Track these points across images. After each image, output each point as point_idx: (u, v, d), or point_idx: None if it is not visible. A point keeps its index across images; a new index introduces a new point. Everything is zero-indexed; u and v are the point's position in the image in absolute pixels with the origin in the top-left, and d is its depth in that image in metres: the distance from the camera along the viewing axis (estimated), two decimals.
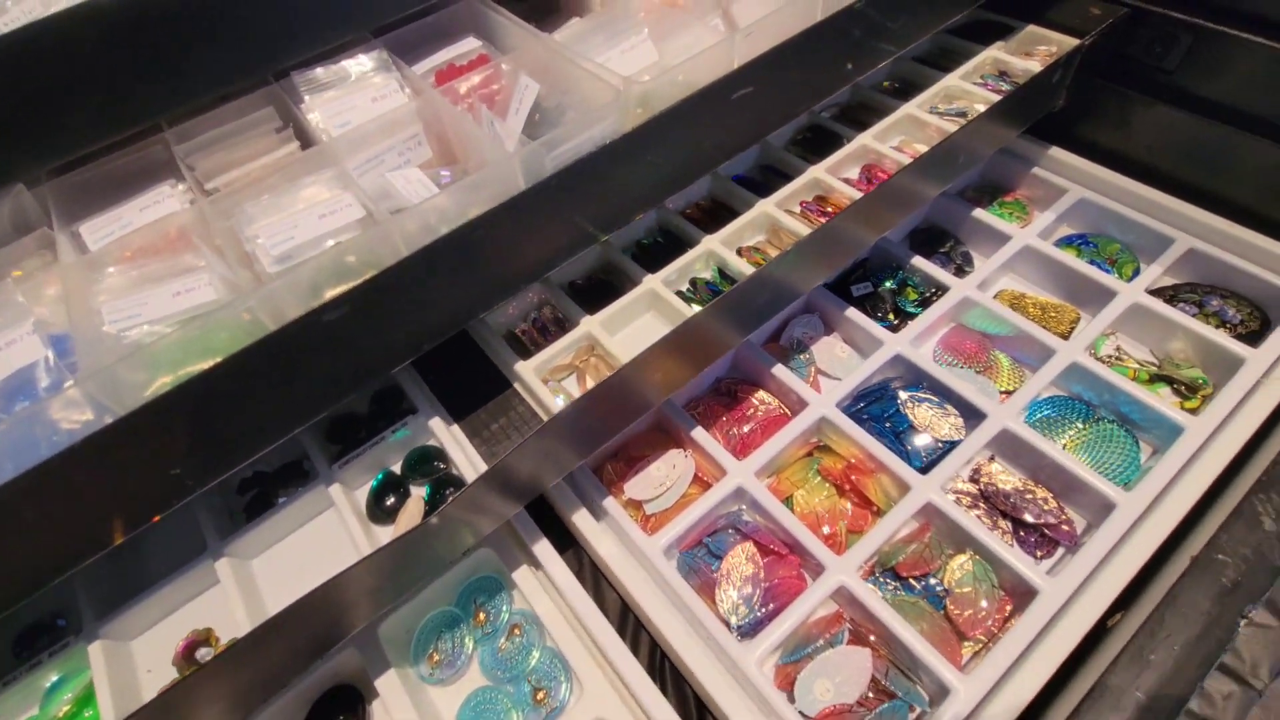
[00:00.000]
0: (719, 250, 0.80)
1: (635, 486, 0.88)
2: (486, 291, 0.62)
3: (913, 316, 1.01)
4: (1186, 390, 0.92)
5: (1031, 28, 1.00)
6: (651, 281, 0.79)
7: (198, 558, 0.63)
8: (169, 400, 0.49)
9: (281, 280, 0.51)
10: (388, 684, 0.76)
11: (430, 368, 0.84)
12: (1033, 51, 0.98)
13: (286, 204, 0.60)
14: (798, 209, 0.86)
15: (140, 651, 0.63)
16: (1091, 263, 1.05)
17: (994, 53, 0.97)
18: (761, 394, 0.98)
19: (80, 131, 0.54)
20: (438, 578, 0.70)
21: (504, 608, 0.84)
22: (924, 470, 0.85)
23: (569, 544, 0.84)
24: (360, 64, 0.68)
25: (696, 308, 0.78)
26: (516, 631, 0.82)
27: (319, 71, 0.66)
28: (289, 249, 0.58)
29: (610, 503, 0.85)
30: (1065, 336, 0.98)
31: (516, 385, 0.73)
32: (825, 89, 0.76)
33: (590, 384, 0.73)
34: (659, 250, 0.87)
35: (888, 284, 1.06)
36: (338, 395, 0.58)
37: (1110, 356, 0.96)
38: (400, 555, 0.58)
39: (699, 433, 0.90)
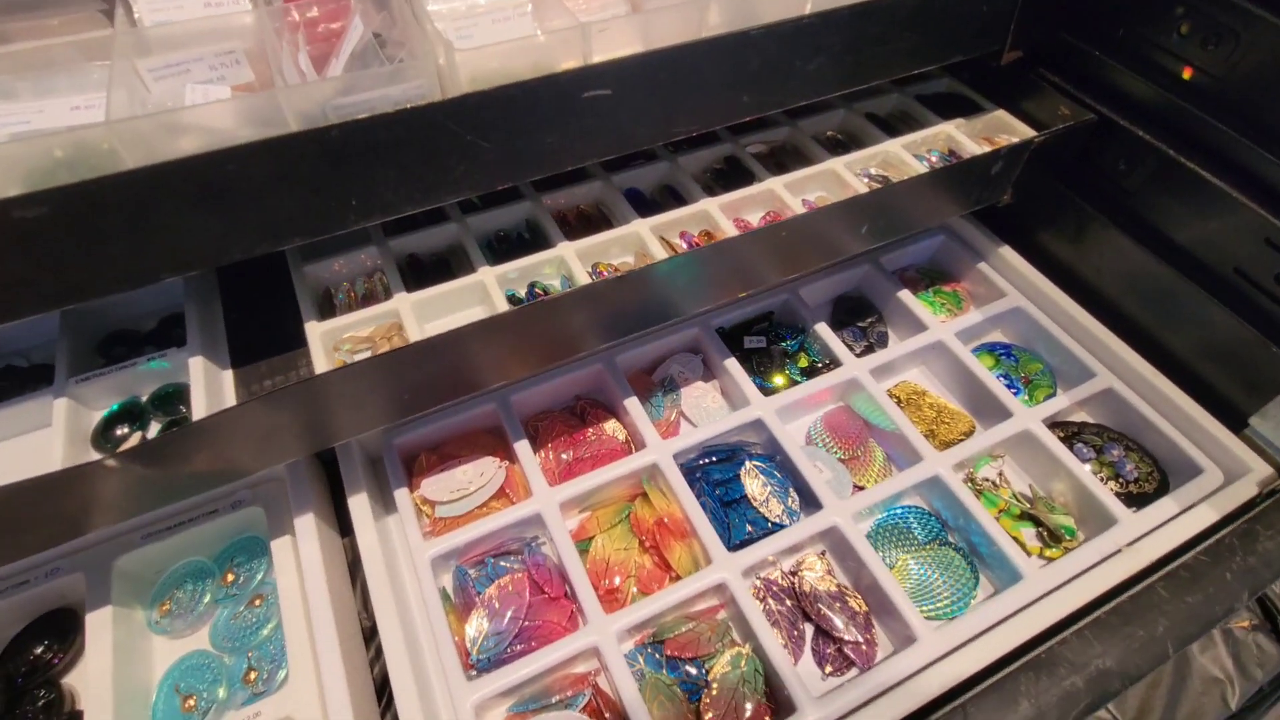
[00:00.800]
0: (572, 260, 0.73)
1: (433, 485, 0.81)
2: (238, 235, 0.55)
3: (795, 384, 0.93)
4: (1050, 537, 0.82)
5: (1000, 113, 0.90)
6: (486, 274, 0.71)
7: (43, 390, 0.57)
8: None
9: None
10: (98, 621, 0.69)
11: (237, 303, 0.78)
12: (993, 138, 0.89)
13: (46, 86, 0.54)
14: (676, 238, 0.78)
15: None
16: (1004, 377, 0.95)
17: (949, 129, 0.87)
18: (613, 424, 0.90)
19: None
20: (132, 518, 0.63)
21: (259, 574, 0.77)
22: (737, 547, 0.77)
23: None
24: None
25: None
26: (258, 602, 0.76)
27: None
28: (23, 133, 0.52)
29: (402, 494, 0.78)
30: (948, 445, 0.89)
31: (310, 344, 0.67)
32: (714, 116, 0.68)
33: None
34: (519, 245, 0.79)
35: (785, 344, 0.98)
36: (32, 306, 0.52)
37: (986, 480, 0.87)
38: (52, 492, 0.51)
39: (524, 447, 0.82)
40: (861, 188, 0.81)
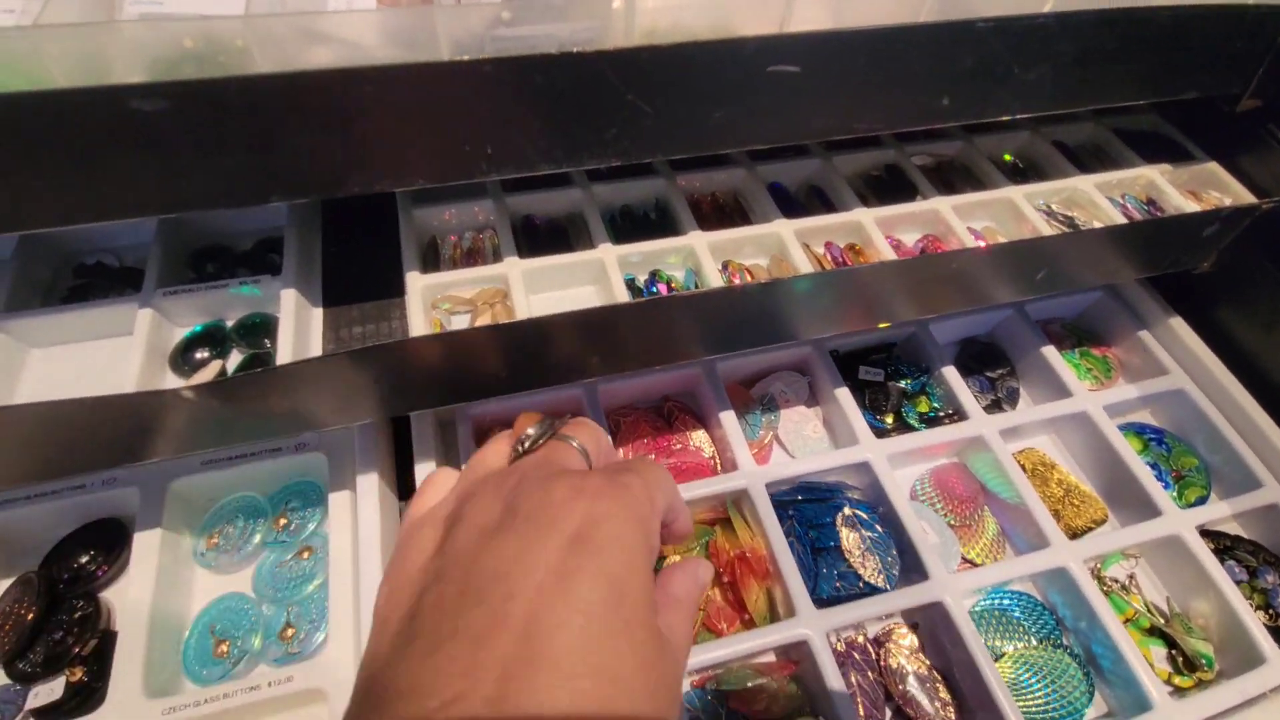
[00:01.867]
0: (702, 253, 0.65)
1: None
2: (353, 165, 0.49)
3: (910, 430, 0.83)
4: (1185, 664, 0.71)
5: (1213, 166, 0.77)
6: (606, 252, 0.64)
7: None
8: None
9: (87, 29, 0.40)
10: (145, 542, 0.66)
11: (338, 237, 0.72)
12: (1200, 194, 0.76)
13: None
14: (821, 248, 0.69)
15: None
16: (1151, 466, 0.83)
17: (1152, 174, 0.75)
18: (700, 435, 0.82)
19: None
20: (198, 450, 0.59)
21: (311, 524, 0.73)
22: (824, 603, 0.69)
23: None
24: None
25: None
26: (306, 554, 0.71)
27: None
28: (153, 13, 0.47)
29: None
30: (1077, 535, 0.78)
31: (407, 298, 0.61)
32: (904, 116, 0.58)
33: None
34: (645, 226, 0.71)
35: (904, 382, 0.88)
36: (131, 208, 0.47)
37: (1115, 581, 0.76)
38: (121, 413, 0.47)
39: None
40: (1041, 224, 0.70)
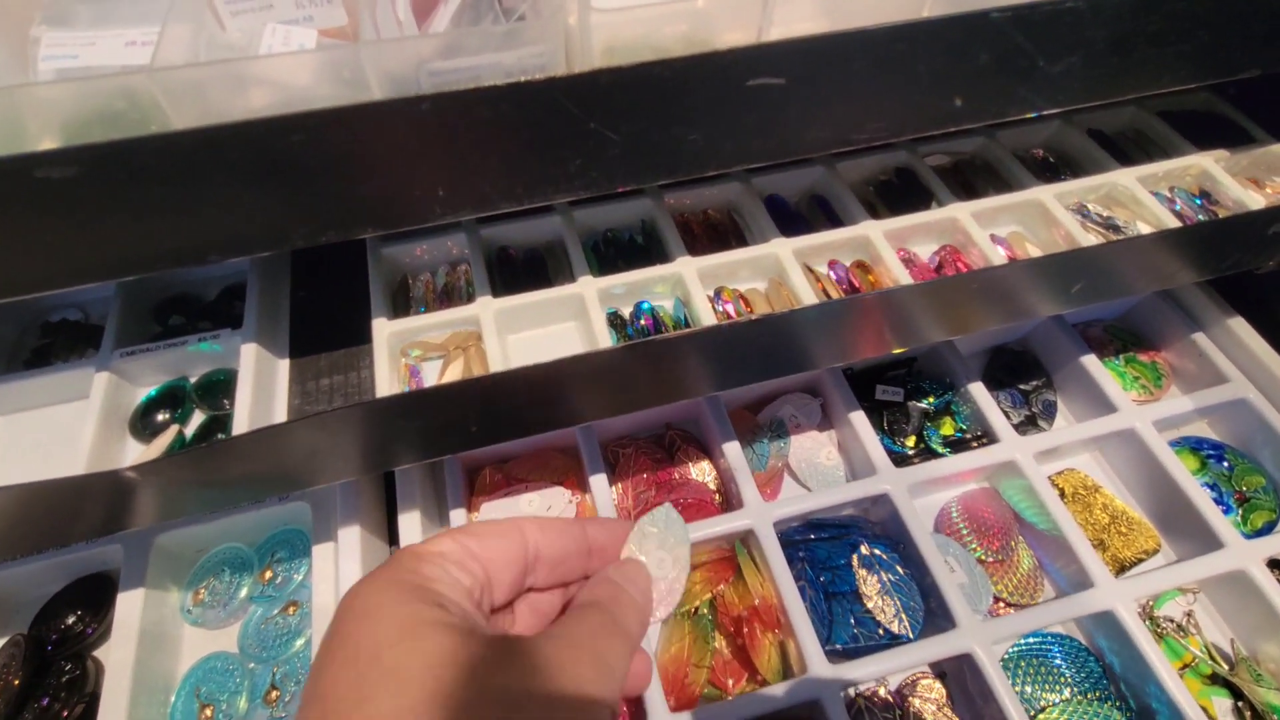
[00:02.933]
0: (691, 280, 0.59)
1: (494, 510, 0.71)
2: (301, 217, 0.45)
3: (934, 456, 0.76)
4: (1253, 718, 0.63)
5: (1277, 148, 0.69)
6: (587, 285, 0.59)
7: None
8: None
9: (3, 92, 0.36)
10: (128, 605, 0.64)
11: (307, 279, 0.69)
12: (1262, 180, 0.67)
13: (105, 12, 0.45)
14: (823, 267, 0.63)
15: None
16: (1210, 487, 0.75)
17: (1205, 162, 0.67)
18: (705, 465, 0.77)
19: None
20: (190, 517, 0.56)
21: (298, 575, 0.71)
22: (843, 655, 0.64)
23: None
24: None
25: (615, 339, 0.58)
26: (293, 610, 0.69)
27: None
28: (68, 68, 0.43)
29: (458, 516, 0.69)
30: (1125, 568, 0.71)
31: (374, 346, 0.57)
32: (910, 122, 0.52)
33: (448, 380, 0.55)
34: (631, 251, 0.66)
35: (926, 401, 0.81)
36: (58, 279, 0.44)
37: (1170, 622, 0.69)
38: (66, 495, 0.44)
39: (600, 481, 0.70)
40: (1075, 228, 0.63)
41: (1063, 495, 0.75)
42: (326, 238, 0.46)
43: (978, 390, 0.77)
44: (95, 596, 0.68)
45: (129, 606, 0.64)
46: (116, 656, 0.61)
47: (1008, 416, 0.76)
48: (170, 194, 0.41)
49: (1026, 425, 0.79)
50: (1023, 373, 0.84)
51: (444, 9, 0.47)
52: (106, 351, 0.55)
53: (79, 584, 0.69)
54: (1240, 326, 0.78)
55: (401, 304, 0.62)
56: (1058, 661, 0.66)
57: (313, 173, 0.42)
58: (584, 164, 0.47)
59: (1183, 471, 0.70)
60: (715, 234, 0.66)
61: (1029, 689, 0.64)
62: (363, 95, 0.40)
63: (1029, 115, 0.54)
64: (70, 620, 0.66)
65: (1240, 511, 0.72)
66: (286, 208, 0.44)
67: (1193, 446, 0.78)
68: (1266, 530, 0.70)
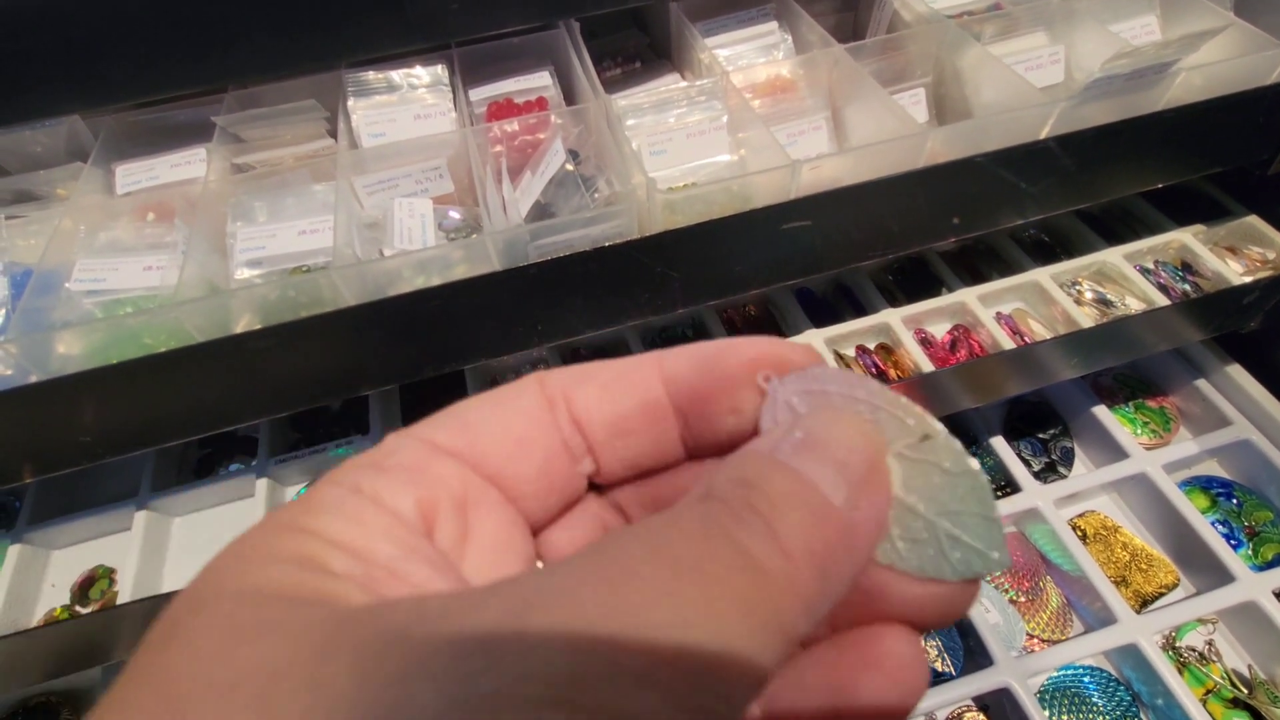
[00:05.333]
0: None
1: None
2: (430, 358, 0.57)
3: None
4: None
5: (1252, 220, 0.77)
6: None
7: (127, 500, 0.65)
8: (82, 381, 0.49)
9: (214, 300, 0.50)
10: None
11: (412, 386, 0.82)
12: (1239, 250, 0.76)
13: (278, 208, 0.58)
14: (851, 352, 0.73)
15: (56, 563, 0.66)
16: (1221, 524, 0.82)
17: (1184, 237, 0.76)
18: None
19: (138, 82, 0.55)
20: None
21: None
22: None
23: None
24: (414, 76, 0.64)
25: None
26: None
27: (370, 74, 0.63)
28: (259, 257, 0.56)
29: None
30: (1147, 602, 0.79)
31: None
32: (916, 239, 0.63)
33: None
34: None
35: None
36: (258, 414, 0.56)
37: (1192, 651, 0.76)
38: None
39: None
40: (1071, 306, 0.72)
41: (1084, 537, 0.83)
42: (449, 369, 0.59)
43: (999, 444, 0.86)
44: None
45: None
46: None
47: (1028, 465, 0.85)
48: (338, 349, 0.54)
49: (1047, 472, 0.87)
50: (1040, 421, 0.92)
51: (533, 179, 0.60)
52: (263, 460, 0.68)
53: None
54: (1239, 373, 0.86)
55: None
56: (1090, 692, 0.73)
57: (444, 325, 0.55)
58: (651, 296, 0.59)
59: (1193, 511, 0.78)
60: (755, 325, 0.78)
61: (1065, 718, 0.72)
62: (486, 267, 0.53)
63: (1017, 223, 0.64)
64: None
65: (1250, 545, 0.80)
66: (421, 351, 0.56)
67: (1203, 485, 0.85)
68: (1276, 562, 0.78)
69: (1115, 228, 0.82)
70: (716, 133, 0.63)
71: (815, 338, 0.72)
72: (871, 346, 0.74)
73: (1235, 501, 0.83)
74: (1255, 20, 0.66)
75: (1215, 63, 0.60)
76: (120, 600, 0.61)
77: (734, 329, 0.78)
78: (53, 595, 0.65)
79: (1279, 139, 0.68)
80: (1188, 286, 0.74)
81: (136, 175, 0.63)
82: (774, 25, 0.71)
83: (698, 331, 0.78)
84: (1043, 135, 0.58)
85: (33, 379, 0.50)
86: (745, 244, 0.58)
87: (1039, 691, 0.74)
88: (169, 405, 0.54)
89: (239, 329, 0.51)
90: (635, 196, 0.52)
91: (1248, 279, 0.72)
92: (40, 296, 0.54)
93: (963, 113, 0.68)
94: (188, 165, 0.63)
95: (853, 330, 0.73)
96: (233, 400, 0.55)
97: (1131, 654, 0.72)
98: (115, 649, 0.63)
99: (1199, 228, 0.78)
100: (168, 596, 0.61)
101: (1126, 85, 0.59)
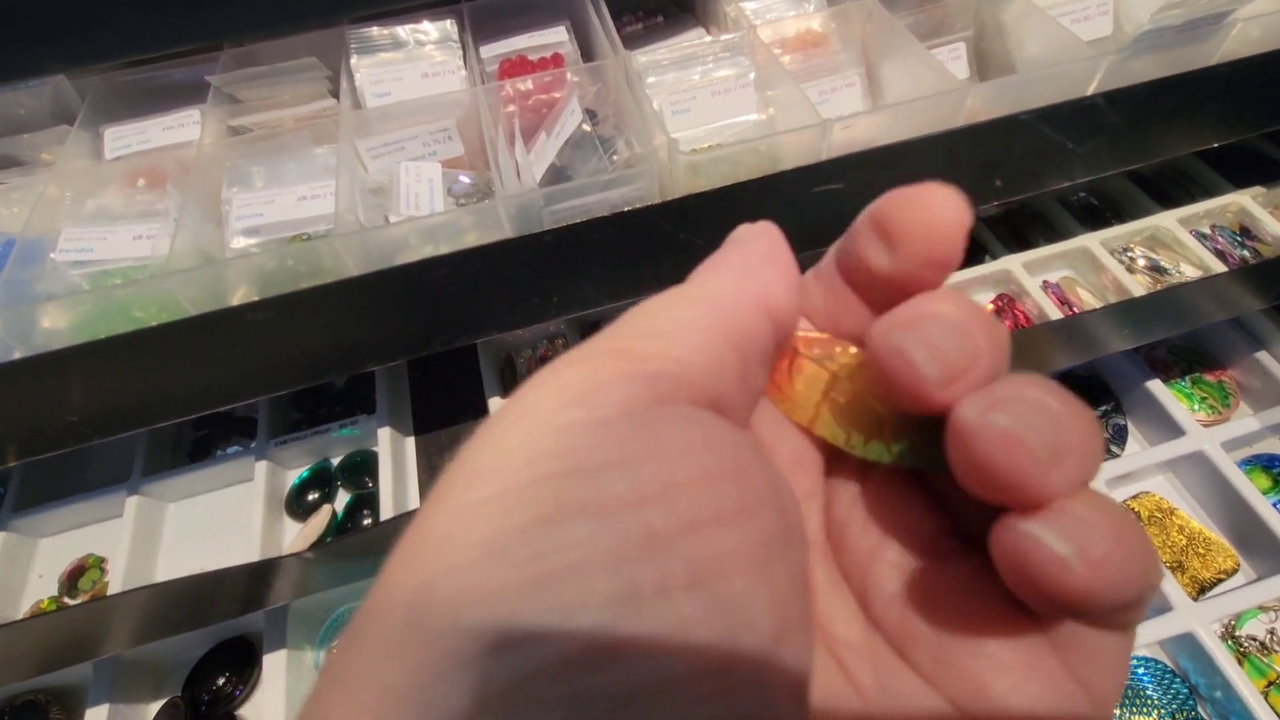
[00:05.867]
0: None
1: None
2: (439, 331, 0.57)
3: None
4: None
5: None
6: None
7: (118, 485, 0.66)
8: (67, 356, 0.49)
9: (208, 270, 0.49)
10: (273, 663, 0.76)
11: (422, 364, 0.81)
12: None
13: (276, 172, 0.58)
14: None
15: (43, 552, 0.66)
16: None
17: (1243, 200, 0.75)
18: None
19: (129, 40, 0.55)
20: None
21: None
22: None
23: None
24: (421, 32, 0.64)
25: None
26: None
27: (374, 31, 0.63)
28: (256, 225, 0.56)
29: None
30: (1205, 589, 0.78)
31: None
32: None
33: None
34: None
35: None
36: (256, 392, 0.56)
37: (1253, 640, 0.75)
38: (253, 578, 0.56)
39: None
40: (1122, 274, 0.71)
41: (1139, 519, 0.82)
42: (460, 342, 0.58)
43: None
44: (239, 659, 0.80)
45: (274, 668, 0.75)
46: (269, 712, 0.73)
47: None
48: (340, 322, 0.54)
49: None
50: (1091, 398, 0.91)
51: (548, 140, 0.59)
52: (262, 441, 0.68)
53: (223, 647, 0.81)
54: None
55: (509, 378, 0.73)
56: (1145, 684, 0.73)
57: (453, 296, 0.54)
58: (673, 265, 0.58)
59: (1254, 492, 0.77)
60: None
61: (1117, 711, 0.72)
62: (497, 234, 0.52)
63: (1064, 184, 0.64)
64: (220, 682, 0.78)
65: None
66: (430, 323, 0.56)
67: (1265, 464, 0.84)
68: None
69: (1169, 190, 0.81)
70: (743, 90, 0.62)
71: None
72: None
73: None
74: None
75: (1274, 13, 0.59)
76: (111, 591, 0.62)
77: None
78: (40, 586, 0.65)
79: None
80: (1246, 252, 0.72)
81: (126, 138, 0.62)
82: None
83: None
84: (1090, 91, 0.57)
85: (16, 355, 0.50)
86: (773, 209, 0.57)
87: None
88: (161, 383, 0.54)
89: (235, 301, 0.50)
90: (656, 158, 0.52)
91: None
92: (24, 267, 0.54)
93: (1005, 68, 0.66)
94: (181, 128, 0.63)
95: None
96: (229, 377, 0.55)
97: (1188, 643, 0.71)
98: (106, 642, 0.64)
99: (1258, 190, 0.76)
100: (162, 585, 0.61)
101: (1179, 37, 0.57)
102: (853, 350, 0.19)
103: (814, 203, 0.57)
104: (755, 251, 0.18)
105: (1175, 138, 0.62)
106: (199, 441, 0.72)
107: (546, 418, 0.13)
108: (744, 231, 0.19)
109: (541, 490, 0.12)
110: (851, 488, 0.18)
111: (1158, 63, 0.58)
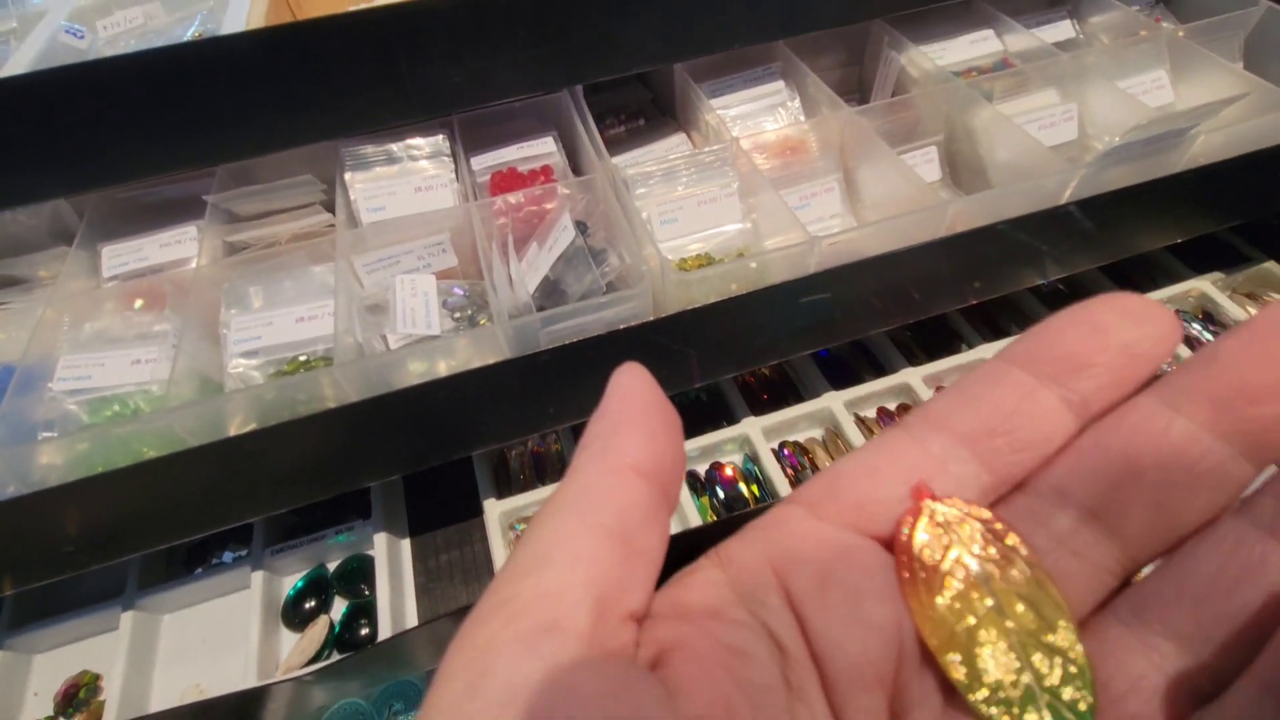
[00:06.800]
0: (757, 439, 0.69)
1: None
2: (437, 447, 0.55)
3: None
4: None
5: (1270, 265, 0.77)
6: None
7: (112, 601, 0.63)
8: (65, 492, 0.47)
9: (207, 404, 0.48)
10: None
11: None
12: (1259, 296, 0.76)
13: (274, 292, 0.57)
14: (873, 414, 0.72)
15: (39, 669, 0.63)
16: None
17: (1203, 285, 0.76)
18: None
19: (126, 167, 0.54)
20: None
21: None
22: None
23: None
24: (414, 147, 0.63)
25: (699, 504, 0.67)
26: None
27: (368, 148, 0.62)
28: (254, 347, 0.55)
29: None
30: None
31: (487, 528, 0.67)
32: (937, 304, 0.62)
33: None
34: (696, 411, 0.76)
35: None
36: (252, 513, 0.54)
37: None
38: (248, 702, 0.53)
39: None
40: None
41: None
42: (456, 456, 0.57)
43: None
44: None
45: None
46: None
47: None
48: (339, 444, 0.52)
49: None
50: None
51: (541, 253, 0.58)
52: (257, 551, 0.65)
53: None
54: None
55: (502, 476, 0.72)
56: None
57: (451, 415, 0.53)
58: (668, 374, 0.57)
59: None
60: (771, 387, 0.76)
61: None
62: (495, 356, 0.51)
63: (1039, 283, 0.64)
64: None
65: None
66: (428, 442, 0.55)
67: None
68: None
69: (1133, 276, 0.82)
70: (728, 200, 0.62)
71: (835, 400, 0.71)
72: (893, 408, 0.73)
73: None
74: (1263, 68, 0.67)
75: (1236, 124, 0.60)
76: (108, 709, 0.58)
77: (749, 391, 0.76)
78: (35, 705, 0.62)
79: None
80: (1210, 336, 0.73)
81: (124, 256, 0.61)
82: (780, 84, 0.70)
83: (710, 395, 0.77)
84: (1063, 200, 0.57)
85: (11, 490, 0.48)
86: (763, 318, 0.56)
87: None
88: (158, 510, 0.52)
89: (234, 431, 0.49)
90: (649, 279, 0.51)
91: None
92: (21, 395, 0.52)
93: (976, 170, 0.67)
94: (178, 244, 0.61)
95: (872, 392, 0.72)
96: (226, 501, 0.53)
97: None
98: None
99: (1217, 275, 0.78)
100: (155, 716, 0.58)
101: (1146, 150, 0.59)
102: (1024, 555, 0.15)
103: (801, 311, 0.57)
104: (611, 418, 0.17)
105: (1143, 236, 0.63)
106: (194, 550, 0.69)
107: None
108: (609, 389, 0.18)
109: None
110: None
111: (1126, 172, 0.59)
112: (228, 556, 0.67)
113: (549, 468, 0.73)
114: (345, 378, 0.48)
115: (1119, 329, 0.16)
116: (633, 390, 0.17)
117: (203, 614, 0.66)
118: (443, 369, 0.52)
